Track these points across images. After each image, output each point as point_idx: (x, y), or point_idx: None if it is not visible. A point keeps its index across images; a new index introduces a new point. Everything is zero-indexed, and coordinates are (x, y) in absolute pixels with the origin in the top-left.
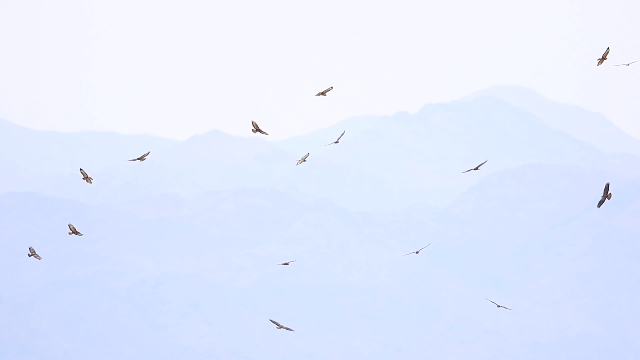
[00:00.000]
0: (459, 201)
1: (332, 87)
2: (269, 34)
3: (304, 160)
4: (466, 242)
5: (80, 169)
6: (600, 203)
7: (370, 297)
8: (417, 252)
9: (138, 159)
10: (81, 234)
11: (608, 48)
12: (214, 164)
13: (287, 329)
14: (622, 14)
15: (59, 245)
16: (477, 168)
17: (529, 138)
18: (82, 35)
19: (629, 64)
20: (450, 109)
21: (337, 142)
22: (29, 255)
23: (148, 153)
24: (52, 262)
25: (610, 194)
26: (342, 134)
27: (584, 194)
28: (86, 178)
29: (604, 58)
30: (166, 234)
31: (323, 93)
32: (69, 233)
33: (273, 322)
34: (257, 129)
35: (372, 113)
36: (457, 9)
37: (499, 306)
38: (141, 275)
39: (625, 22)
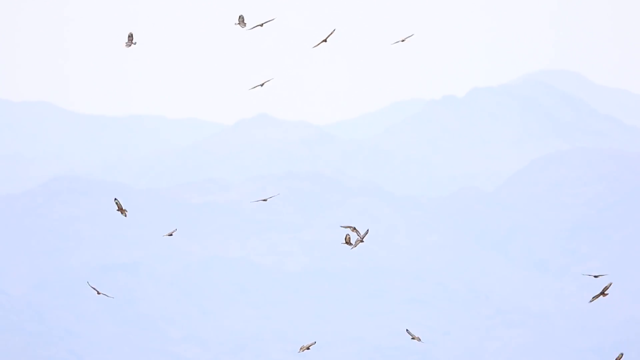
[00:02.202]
0: (506, 185)
1: (334, 30)
2: (315, 17)
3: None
4: (513, 225)
5: (115, 199)
6: (594, 298)
7: (417, 281)
8: (265, 200)
9: (259, 85)
10: (126, 212)
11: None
12: (260, 148)
13: (418, 339)
14: None
15: (105, 229)
16: (403, 40)
17: (576, 122)
18: (129, 18)
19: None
20: (498, 93)
21: (265, 200)
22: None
23: (175, 230)
24: (99, 246)
25: (607, 293)
26: (274, 196)
27: (630, 177)
28: (121, 210)
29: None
30: (213, 217)
31: (325, 40)
32: (116, 210)
33: (408, 332)
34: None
35: (419, 97)
36: None
37: (412, 338)
38: (188, 259)
39: None
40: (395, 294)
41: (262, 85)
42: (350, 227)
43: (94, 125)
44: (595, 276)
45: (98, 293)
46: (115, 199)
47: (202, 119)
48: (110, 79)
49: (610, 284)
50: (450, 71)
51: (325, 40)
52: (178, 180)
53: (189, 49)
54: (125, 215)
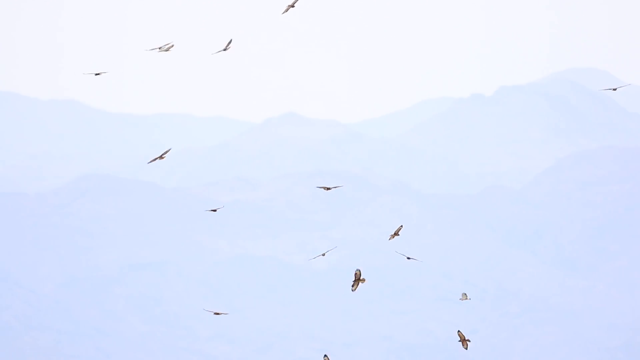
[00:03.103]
0: (534, 183)
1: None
2: (341, 16)
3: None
4: (541, 224)
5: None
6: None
7: (445, 279)
8: (407, 258)
9: (158, 157)
10: (164, 157)
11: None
12: (289, 147)
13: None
14: None
15: (134, 228)
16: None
17: (604, 120)
18: (159, 17)
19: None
20: (526, 91)
21: (395, 234)
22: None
23: (169, 150)
24: (127, 245)
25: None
26: None
27: None
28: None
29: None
30: (242, 216)
31: (292, 5)
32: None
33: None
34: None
35: (447, 95)
36: None
37: (408, 258)
38: (217, 257)
39: None
40: (424, 292)
41: (225, 49)
42: (325, 187)
43: (123, 124)
44: (408, 257)
45: (216, 314)
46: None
47: (230, 117)
48: (139, 77)
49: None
50: (478, 69)
51: (292, 6)
52: (206, 179)
53: (217, 48)
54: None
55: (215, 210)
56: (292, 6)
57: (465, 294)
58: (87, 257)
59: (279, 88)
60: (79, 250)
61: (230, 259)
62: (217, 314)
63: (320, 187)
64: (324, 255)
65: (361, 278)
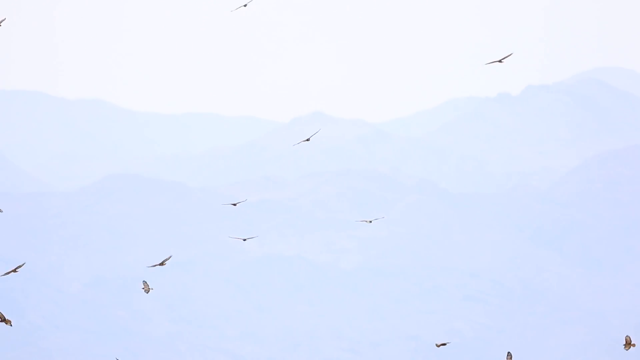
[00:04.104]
0: (562, 182)
1: None
2: (369, 15)
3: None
4: (569, 223)
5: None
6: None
7: (473, 278)
8: (370, 222)
9: (159, 264)
10: (10, 322)
11: None
12: (316, 146)
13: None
14: None
15: (161, 227)
16: (501, 61)
17: (631, 119)
18: (185, 18)
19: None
20: (552, 91)
21: (308, 139)
22: None
23: (169, 257)
24: (154, 244)
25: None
26: (316, 132)
27: None
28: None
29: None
30: (269, 215)
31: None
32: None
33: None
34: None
35: (474, 95)
36: None
37: (370, 221)
38: (244, 257)
39: None
40: (451, 291)
41: (161, 264)
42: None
43: (150, 123)
44: (370, 221)
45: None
46: None
47: (257, 117)
48: (166, 76)
49: None
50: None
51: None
52: (233, 179)
53: (246, 48)
54: (10, 325)
55: (235, 205)
56: (245, 6)
57: (443, 344)
58: (114, 257)
59: (306, 88)
60: (106, 249)
61: (257, 259)
62: (244, 239)
63: (228, 204)
64: (235, 205)
65: (632, 343)
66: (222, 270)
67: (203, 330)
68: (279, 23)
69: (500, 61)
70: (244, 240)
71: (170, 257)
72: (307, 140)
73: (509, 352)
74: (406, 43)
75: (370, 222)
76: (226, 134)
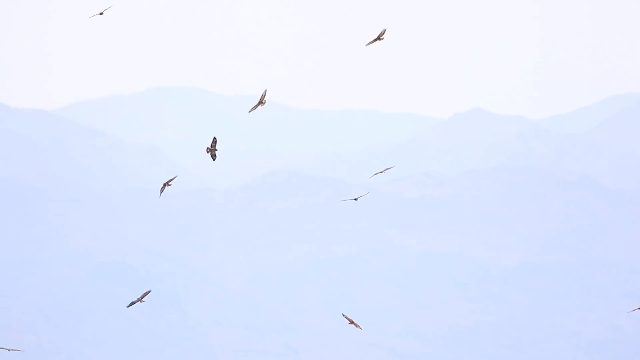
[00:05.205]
0: None
1: (385, 31)
2: (527, 12)
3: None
4: None
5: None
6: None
7: (634, 275)
8: (355, 199)
9: (165, 184)
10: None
11: (384, 30)
12: (475, 142)
13: (357, 325)
14: None
15: (321, 223)
16: (382, 172)
17: None
18: (344, 16)
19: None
20: None
21: (356, 199)
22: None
23: (174, 178)
24: (315, 240)
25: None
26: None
27: None
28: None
29: (378, 38)
30: (429, 212)
31: (379, 38)
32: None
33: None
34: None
35: (634, 90)
36: None
37: (356, 199)
38: (404, 253)
39: None
40: (612, 288)
41: (101, 13)
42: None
43: (309, 120)
44: (355, 199)
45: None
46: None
47: (416, 113)
48: (325, 73)
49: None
50: None
51: (379, 39)
52: (393, 175)
53: (404, 45)
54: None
55: (356, 200)
56: (380, 39)
57: (356, 324)
58: (275, 253)
59: (465, 84)
60: (267, 246)
61: (417, 255)
62: (355, 199)
63: (349, 199)
64: (356, 200)
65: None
66: (382, 266)
67: (364, 327)
68: (437, 20)
69: (379, 38)
70: (355, 200)
71: (149, 291)
72: (355, 200)
73: None
74: (564, 40)
75: (356, 199)
76: (385, 130)
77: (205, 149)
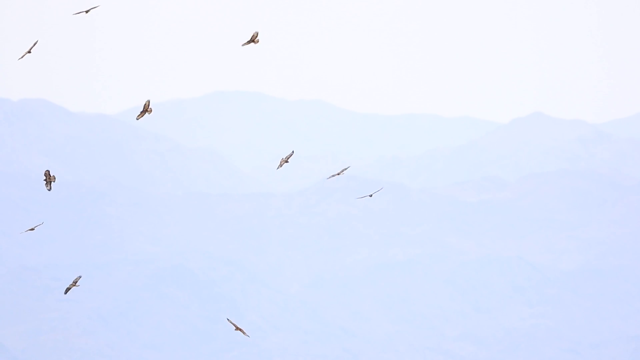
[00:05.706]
0: None
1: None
2: (592, 18)
3: (287, 162)
4: None
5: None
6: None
7: None
8: (370, 196)
9: (142, 113)
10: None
11: (256, 32)
12: (535, 146)
13: (242, 331)
14: None
15: (380, 228)
16: (339, 173)
17: None
18: (401, 21)
19: None
20: None
21: (371, 196)
22: None
23: (79, 277)
24: (374, 244)
25: None
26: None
27: None
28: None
29: (252, 40)
30: (488, 216)
31: (253, 40)
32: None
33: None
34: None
35: None
36: None
37: (371, 195)
38: (463, 257)
39: None
40: None
41: (86, 12)
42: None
43: (370, 124)
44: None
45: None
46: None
47: (476, 117)
48: (386, 77)
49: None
50: None
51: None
52: (453, 179)
53: (464, 48)
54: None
55: (371, 196)
56: (286, 161)
57: (242, 330)
58: (333, 257)
59: (526, 88)
60: (325, 250)
61: (476, 259)
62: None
63: (364, 197)
64: (371, 196)
65: (148, 109)
66: (441, 270)
67: (422, 331)
68: (499, 25)
69: (253, 41)
70: (370, 196)
71: (80, 276)
72: (370, 196)
73: None
74: (626, 43)
75: (371, 196)
76: (446, 134)
77: (281, 159)
